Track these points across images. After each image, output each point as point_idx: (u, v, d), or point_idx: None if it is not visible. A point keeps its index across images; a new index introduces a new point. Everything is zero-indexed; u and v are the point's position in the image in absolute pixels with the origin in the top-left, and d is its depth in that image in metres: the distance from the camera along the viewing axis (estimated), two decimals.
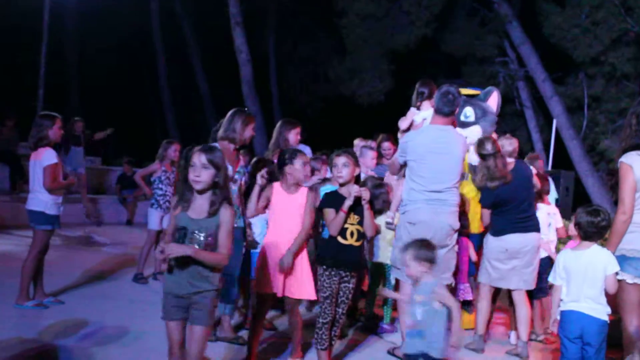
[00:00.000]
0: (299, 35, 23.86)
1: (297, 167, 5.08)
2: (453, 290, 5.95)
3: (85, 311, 6.33)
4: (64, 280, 7.58)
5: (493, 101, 6.84)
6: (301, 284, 5.04)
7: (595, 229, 4.44)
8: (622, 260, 4.58)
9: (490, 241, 5.95)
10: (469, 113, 6.71)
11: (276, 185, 5.17)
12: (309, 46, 23.79)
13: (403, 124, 6.52)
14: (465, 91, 6.86)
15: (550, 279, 4.74)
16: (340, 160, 5.02)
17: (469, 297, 6.53)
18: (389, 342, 6.09)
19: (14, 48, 21.88)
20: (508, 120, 19.19)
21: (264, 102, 21.53)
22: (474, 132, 6.46)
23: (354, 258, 5.06)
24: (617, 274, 4.44)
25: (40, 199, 6.35)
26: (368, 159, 7.42)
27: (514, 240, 5.79)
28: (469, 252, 6.43)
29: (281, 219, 5.11)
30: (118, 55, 25.14)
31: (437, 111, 5.54)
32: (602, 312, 4.44)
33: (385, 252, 6.42)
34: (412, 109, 6.56)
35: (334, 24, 19.92)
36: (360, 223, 5.01)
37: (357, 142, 8.32)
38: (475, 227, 6.42)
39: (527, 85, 19.40)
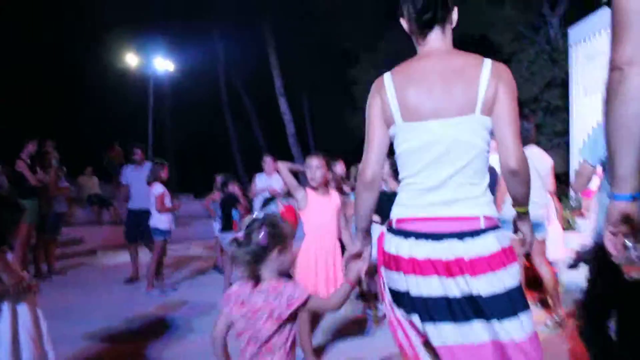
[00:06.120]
0: (326, 98, 23.86)
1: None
2: None
3: (189, 294, 6.43)
4: (176, 275, 7.79)
5: None
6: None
7: None
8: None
9: None
10: None
11: (308, 189, 3.68)
12: (334, 105, 23.93)
13: None
14: None
15: None
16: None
17: None
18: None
19: (127, 120, 22.40)
20: None
21: (304, 148, 21.83)
22: None
23: None
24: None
25: (156, 218, 6.45)
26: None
27: None
28: None
29: (316, 222, 3.62)
30: (198, 121, 25.52)
31: None
32: None
33: None
34: None
35: (350, 90, 20.15)
36: None
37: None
38: None
39: None
